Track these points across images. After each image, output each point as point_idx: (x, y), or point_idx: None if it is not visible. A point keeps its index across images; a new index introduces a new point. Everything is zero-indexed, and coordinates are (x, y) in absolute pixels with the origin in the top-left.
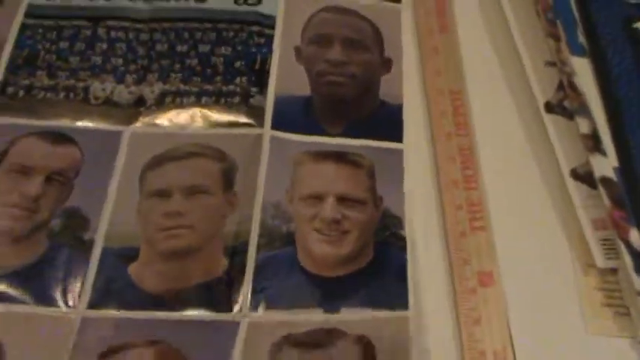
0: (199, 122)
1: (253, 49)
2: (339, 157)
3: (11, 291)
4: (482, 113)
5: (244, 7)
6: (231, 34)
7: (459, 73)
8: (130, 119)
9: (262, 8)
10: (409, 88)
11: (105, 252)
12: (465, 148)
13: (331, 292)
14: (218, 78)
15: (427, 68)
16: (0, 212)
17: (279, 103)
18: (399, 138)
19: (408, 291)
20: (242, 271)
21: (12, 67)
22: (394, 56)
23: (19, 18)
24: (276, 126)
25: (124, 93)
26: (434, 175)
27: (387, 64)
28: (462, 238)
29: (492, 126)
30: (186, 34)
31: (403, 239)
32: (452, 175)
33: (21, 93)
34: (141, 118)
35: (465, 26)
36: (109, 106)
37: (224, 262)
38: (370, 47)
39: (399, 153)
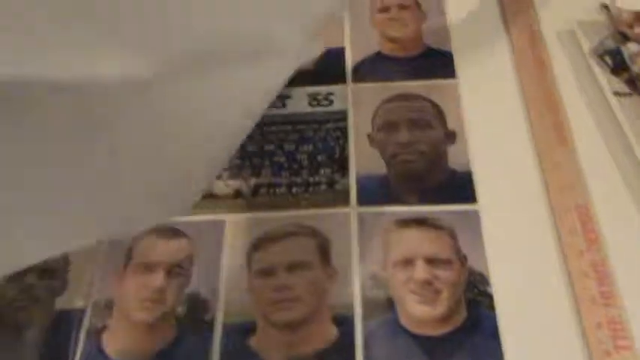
0: (291, 207)
1: (332, 143)
2: (421, 222)
3: None
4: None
5: (319, 109)
6: (311, 133)
7: (583, 187)
8: (231, 209)
9: (334, 107)
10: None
11: (225, 328)
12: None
13: (435, 350)
14: (304, 172)
15: (551, 183)
16: (135, 306)
17: (360, 182)
18: (472, 200)
19: (502, 349)
20: (352, 340)
21: None
22: (457, 127)
23: None
24: (360, 203)
25: (222, 187)
26: None
27: (451, 137)
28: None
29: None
30: (272, 137)
31: (490, 297)
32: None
33: None
34: (239, 208)
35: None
36: (210, 199)
37: (334, 331)
38: (433, 124)
39: (474, 213)
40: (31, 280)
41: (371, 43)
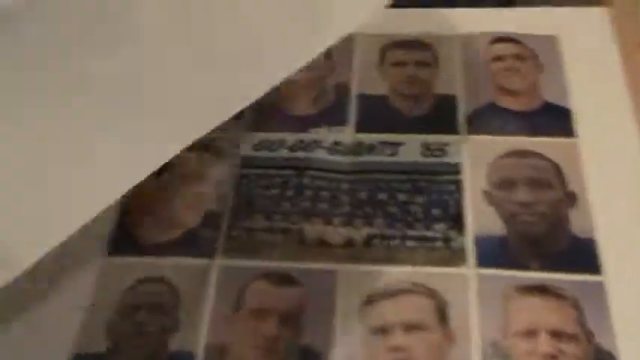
0: (406, 262)
1: (446, 197)
2: (543, 290)
3: None
4: None
5: (431, 159)
6: (424, 184)
7: None
8: (343, 259)
9: (447, 158)
10: None
11: None
12: None
13: None
14: (419, 224)
15: None
16: (247, 353)
17: (478, 243)
18: (597, 270)
19: None
20: None
21: (234, 213)
22: (577, 189)
23: (237, 170)
24: (478, 264)
25: (333, 234)
26: None
27: (571, 198)
28: None
29: None
30: (383, 185)
31: None
32: None
33: (243, 235)
34: (352, 259)
35: None
36: (322, 247)
37: None
38: (553, 184)
39: (599, 285)
40: (142, 318)
41: (484, 93)
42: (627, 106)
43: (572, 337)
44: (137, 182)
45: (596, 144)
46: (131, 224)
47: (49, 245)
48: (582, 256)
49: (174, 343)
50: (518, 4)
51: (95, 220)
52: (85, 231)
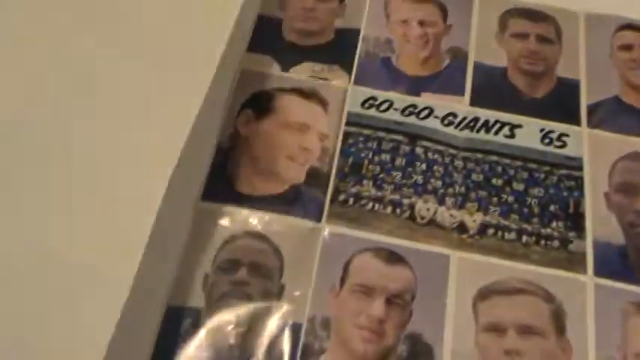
0: (521, 259)
1: (565, 193)
2: None
3: None
4: None
5: (550, 149)
6: (542, 175)
7: None
8: (455, 244)
9: (567, 151)
10: None
11: None
12: None
13: None
14: (535, 219)
15: None
16: (352, 334)
17: (597, 250)
18: None
19: None
20: None
21: (340, 175)
22: None
23: (342, 126)
24: (597, 272)
25: (446, 216)
26: None
27: None
28: None
29: None
30: (499, 169)
31: None
32: None
33: (351, 201)
34: (465, 245)
35: None
36: (433, 227)
37: None
38: None
39: None
40: (243, 277)
41: (609, 85)
42: None
43: None
44: None
45: None
46: (229, 172)
47: None
48: None
49: (278, 311)
50: None
51: (189, 162)
52: (178, 173)
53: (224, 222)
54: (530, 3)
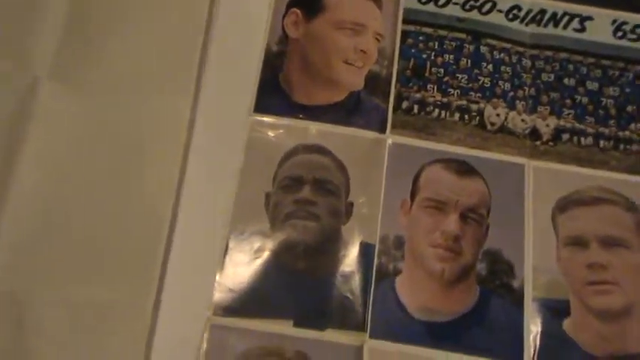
0: (600, 165)
1: None
2: None
3: (449, 339)
4: None
5: (624, 42)
6: (617, 73)
7: None
8: (529, 152)
9: None
10: None
11: (536, 304)
12: None
13: None
14: (612, 122)
15: None
16: (426, 252)
17: None
18: None
19: None
20: None
21: (403, 80)
22: None
23: (399, 25)
24: None
25: (517, 121)
26: None
27: None
28: None
29: None
30: (570, 67)
31: None
32: None
33: (415, 108)
34: (539, 153)
35: None
36: (505, 134)
37: None
38: None
39: None
40: (307, 195)
41: None
42: None
43: None
44: None
45: None
46: (281, 80)
47: None
48: None
49: (348, 231)
50: None
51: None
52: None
53: (281, 136)
54: None
